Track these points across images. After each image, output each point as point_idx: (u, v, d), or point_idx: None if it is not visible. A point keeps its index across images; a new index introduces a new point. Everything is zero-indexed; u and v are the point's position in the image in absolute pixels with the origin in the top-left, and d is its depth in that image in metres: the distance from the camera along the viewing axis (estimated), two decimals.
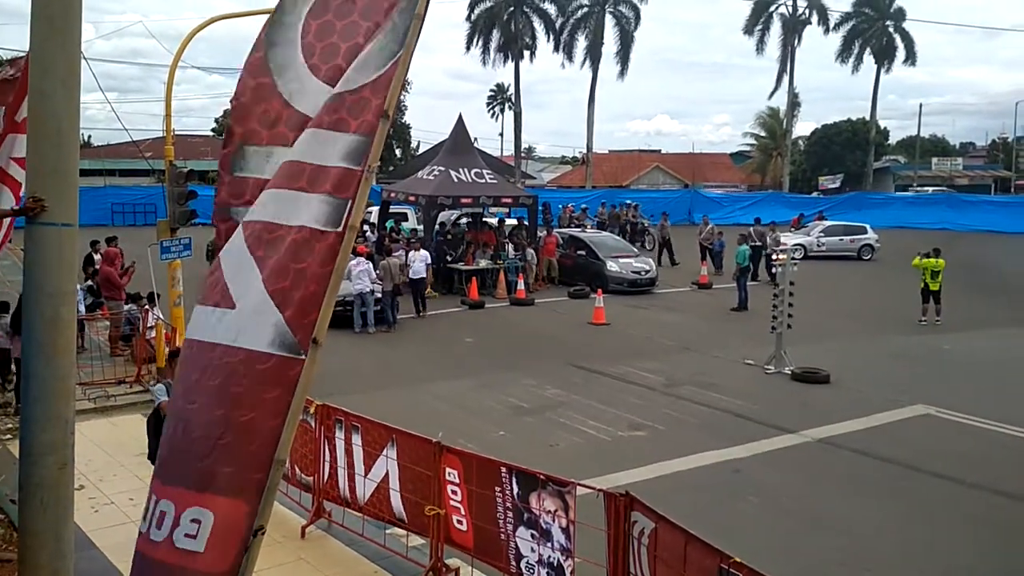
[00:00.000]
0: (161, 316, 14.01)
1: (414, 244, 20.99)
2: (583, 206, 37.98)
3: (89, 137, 60.97)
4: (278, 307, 2.95)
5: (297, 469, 8.30)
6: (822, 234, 32.33)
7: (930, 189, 53.04)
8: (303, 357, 2.88)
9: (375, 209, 27.82)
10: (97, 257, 19.31)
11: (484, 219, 26.77)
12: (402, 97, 63.04)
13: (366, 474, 7.53)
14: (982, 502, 9.20)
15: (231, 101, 3.41)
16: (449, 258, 23.52)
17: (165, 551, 2.94)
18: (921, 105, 72.79)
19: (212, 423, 2.92)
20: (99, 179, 44.09)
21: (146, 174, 42.35)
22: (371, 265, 18.62)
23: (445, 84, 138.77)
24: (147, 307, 14.34)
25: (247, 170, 3.27)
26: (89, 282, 17.35)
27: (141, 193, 41.72)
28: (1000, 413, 11.98)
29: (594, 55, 52.37)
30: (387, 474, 7.33)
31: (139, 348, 13.85)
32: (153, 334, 13.66)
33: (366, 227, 26.53)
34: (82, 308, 14.32)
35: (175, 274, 13.53)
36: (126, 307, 15.36)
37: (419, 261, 19.66)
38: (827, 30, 53.62)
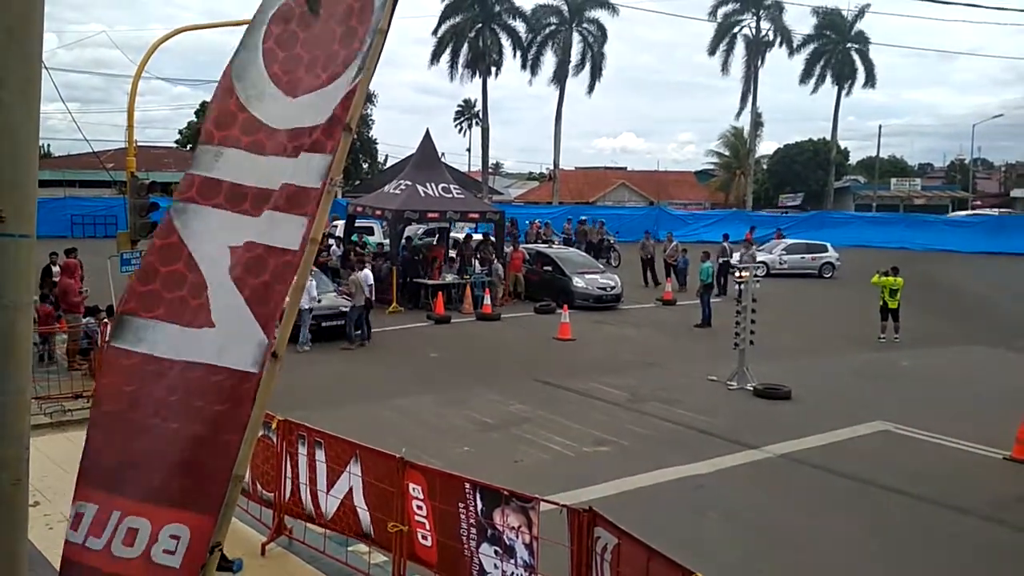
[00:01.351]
0: None
1: (367, 261, 20.84)
2: (547, 221, 38.21)
3: (49, 147, 60.13)
4: (261, 327, 2.94)
5: (259, 485, 8.19)
6: (784, 252, 32.81)
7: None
8: (256, 371, 2.86)
9: (341, 223, 27.71)
10: (55, 269, 18.97)
11: (451, 234, 26.81)
12: (369, 111, 63.03)
13: (328, 490, 7.45)
14: (938, 517, 9.36)
15: (203, 124, 3.42)
16: (419, 272, 23.42)
17: (138, 567, 2.90)
18: (880, 126, 74.59)
19: (184, 440, 2.90)
20: (59, 190, 43.39)
21: (107, 185, 41.73)
22: (313, 282, 18.49)
23: (412, 98, 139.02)
24: (106, 320, 14.09)
25: (197, 167, 3.26)
26: (44, 291, 17.00)
27: (102, 204, 41.10)
28: (956, 429, 12.21)
29: (561, 72, 52.90)
30: (351, 489, 7.26)
31: (98, 363, 13.58)
32: None
33: (331, 241, 26.41)
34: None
35: None
36: (84, 320, 15.09)
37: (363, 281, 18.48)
38: (791, 52, 54.76)
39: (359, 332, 17.97)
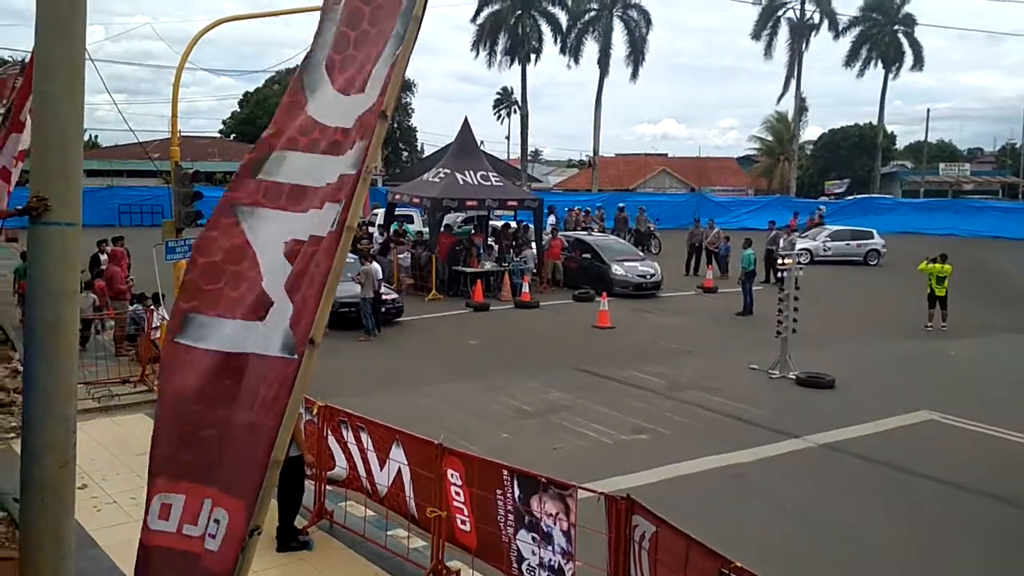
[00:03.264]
0: (166, 316, 14.04)
1: (407, 248, 20.59)
2: (586, 209, 38.04)
3: (96, 137, 61.24)
4: (289, 313, 3.02)
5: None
6: (828, 239, 32.25)
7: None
8: (295, 357, 2.90)
9: (381, 211, 27.89)
10: (103, 257, 19.39)
11: (489, 222, 26.82)
12: (408, 100, 63.32)
13: (382, 468, 7.57)
14: (986, 509, 9.16)
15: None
16: (458, 260, 23.43)
17: (176, 540, 3.04)
18: (928, 110, 72.80)
19: (228, 427, 3.00)
20: (106, 179, 44.26)
21: (153, 175, 42.47)
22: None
23: (451, 87, 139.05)
24: (152, 307, 14.39)
25: (263, 174, 3.34)
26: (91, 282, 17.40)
27: (147, 194, 41.85)
28: (1005, 420, 11.93)
29: (603, 59, 52.44)
30: (399, 471, 7.36)
31: (144, 348, 13.89)
32: (158, 334, 13.70)
33: (372, 229, 26.60)
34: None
35: (180, 275, 13.57)
36: (131, 307, 15.42)
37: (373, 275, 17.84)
38: (836, 35, 53.62)
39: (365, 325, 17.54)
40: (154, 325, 13.93)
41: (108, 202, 39.12)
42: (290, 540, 7.56)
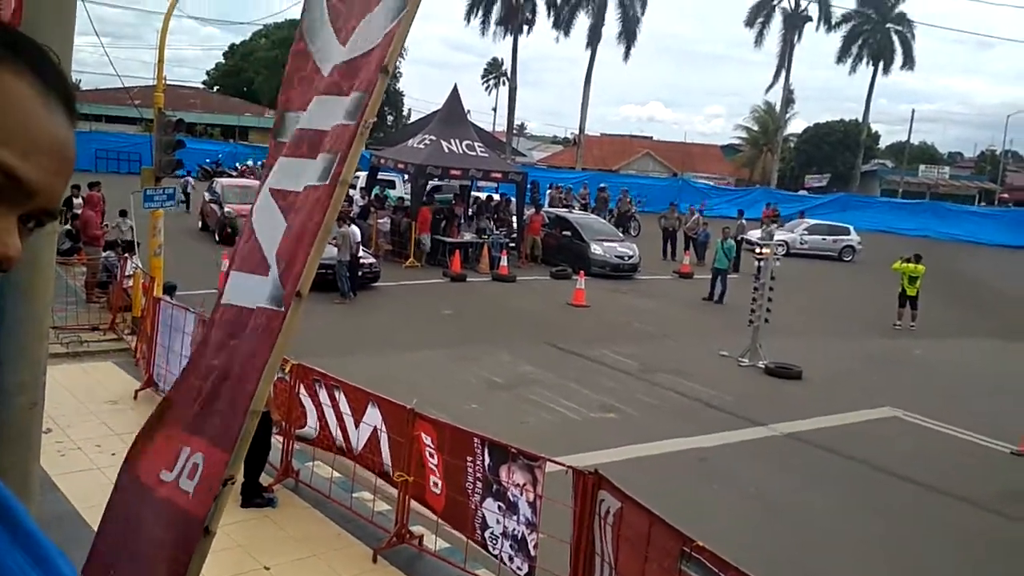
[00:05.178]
0: (140, 265, 13.89)
1: (387, 214, 20.38)
2: (568, 187, 38.05)
3: (79, 81, 60.05)
4: (279, 264, 3.01)
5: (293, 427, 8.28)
6: (805, 232, 32.53)
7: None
8: (281, 309, 2.90)
9: (363, 174, 27.67)
10: (77, 201, 19.11)
11: (472, 193, 26.70)
12: (398, 64, 62.58)
13: (357, 426, 7.56)
14: (940, 505, 9.37)
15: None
16: (438, 229, 23.28)
17: (170, 490, 3.04)
18: (913, 111, 73.10)
19: (211, 374, 3.00)
20: (85, 124, 43.46)
21: (134, 122, 41.79)
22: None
23: (441, 53, 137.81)
24: (126, 255, 14.21)
25: (284, 136, 3.30)
26: (67, 226, 17.18)
27: (127, 140, 41.21)
28: (965, 421, 12.16)
29: (594, 36, 52.15)
30: (374, 432, 7.37)
31: (115, 296, 13.73)
32: (131, 283, 13.55)
33: (353, 192, 26.39)
34: None
35: (157, 224, 13.39)
36: (104, 254, 15.22)
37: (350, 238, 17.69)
38: (829, 28, 53.72)
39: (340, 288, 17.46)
40: (127, 273, 13.76)
41: (85, 147, 38.41)
42: (254, 496, 7.56)
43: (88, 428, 8.98)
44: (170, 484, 3.03)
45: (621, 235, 27.08)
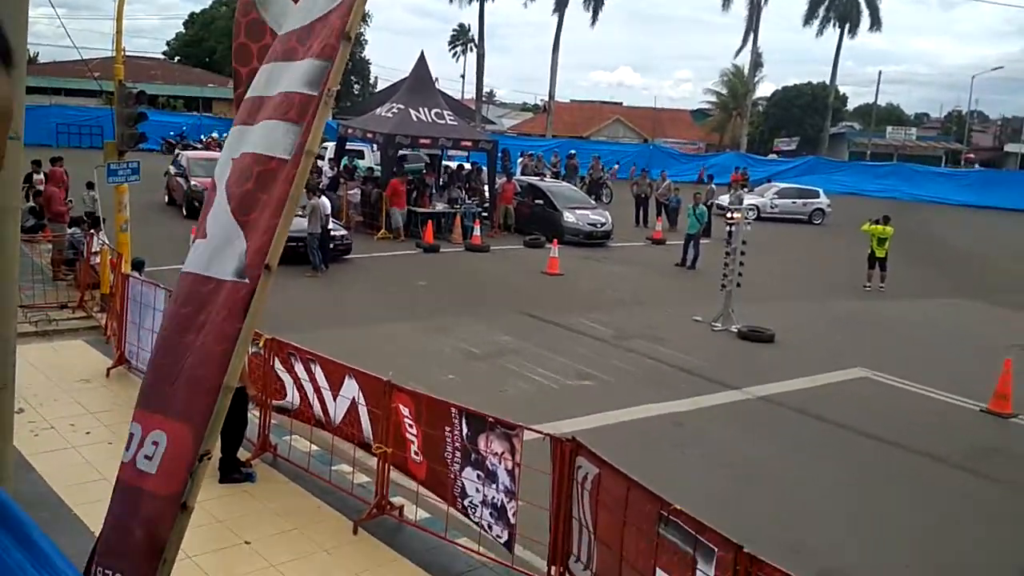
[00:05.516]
0: (107, 241, 13.65)
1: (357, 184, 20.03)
2: (539, 154, 37.92)
3: (36, 54, 58.42)
4: (244, 235, 2.95)
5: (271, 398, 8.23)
6: (775, 196, 32.75)
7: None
8: (247, 282, 2.85)
9: (331, 145, 27.33)
10: (38, 177, 18.71)
11: (443, 163, 26.49)
12: (362, 31, 61.60)
13: (335, 399, 7.53)
14: (911, 463, 9.57)
15: (233, 42, 3.35)
16: (409, 200, 23.08)
17: (128, 470, 2.96)
18: (880, 73, 73.47)
19: (178, 349, 2.93)
20: (44, 98, 42.41)
21: (94, 95, 40.82)
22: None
23: (406, 20, 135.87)
24: (92, 231, 13.96)
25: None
26: (31, 203, 16.84)
27: (87, 114, 40.31)
28: (935, 380, 12.39)
29: (561, 1, 51.70)
30: (353, 403, 7.34)
31: (83, 273, 13.51)
32: (98, 260, 13.33)
33: (321, 163, 26.06)
34: None
35: (122, 199, 13.15)
36: (70, 231, 14.94)
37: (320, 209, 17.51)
38: None
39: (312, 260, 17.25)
40: (94, 250, 13.53)
41: (45, 121, 37.54)
42: (233, 472, 7.53)
43: (61, 407, 8.87)
44: (127, 465, 2.98)
45: (593, 202, 27.07)
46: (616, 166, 36.81)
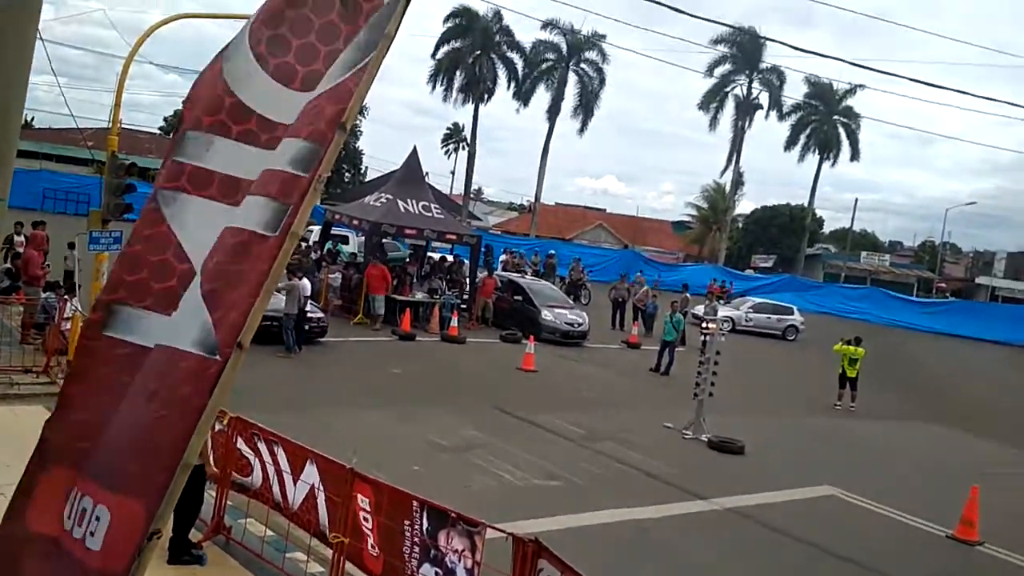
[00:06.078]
0: (79, 308, 13.52)
1: (339, 269, 20.16)
2: (521, 251, 38.52)
3: (32, 119, 59.16)
4: (208, 308, 2.91)
5: (235, 473, 8.01)
6: (751, 310, 33.21)
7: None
8: (217, 358, 2.81)
9: (316, 228, 27.57)
10: (18, 239, 18.68)
11: (427, 253, 26.75)
12: (358, 122, 63.08)
13: (295, 483, 7.35)
14: None
15: (190, 91, 3.36)
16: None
17: (74, 545, 2.86)
18: (856, 200, 76.00)
19: (137, 424, 2.85)
20: (35, 162, 42.73)
21: (84, 163, 41.21)
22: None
23: (402, 116, 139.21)
24: (66, 297, 13.84)
25: (185, 156, 3.20)
26: (7, 265, 16.73)
27: (76, 181, 40.57)
28: (902, 503, 12.33)
29: (554, 108, 53.42)
30: (312, 490, 7.17)
31: (52, 338, 13.32)
32: (69, 326, 13.17)
33: (304, 244, 26.22)
34: None
35: (100, 267, 13.14)
36: (44, 295, 14.81)
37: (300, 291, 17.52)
38: (780, 116, 55.74)
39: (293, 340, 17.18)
40: (65, 315, 13.39)
41: (33, 185, 37.74)
42: (183, 553, 7.27)
43: (15, 473, 8.58)
44: (68, 536, 2.87)
45: (572, 302, 27.28)
46: (588, 271, 37.37)
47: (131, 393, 2.94)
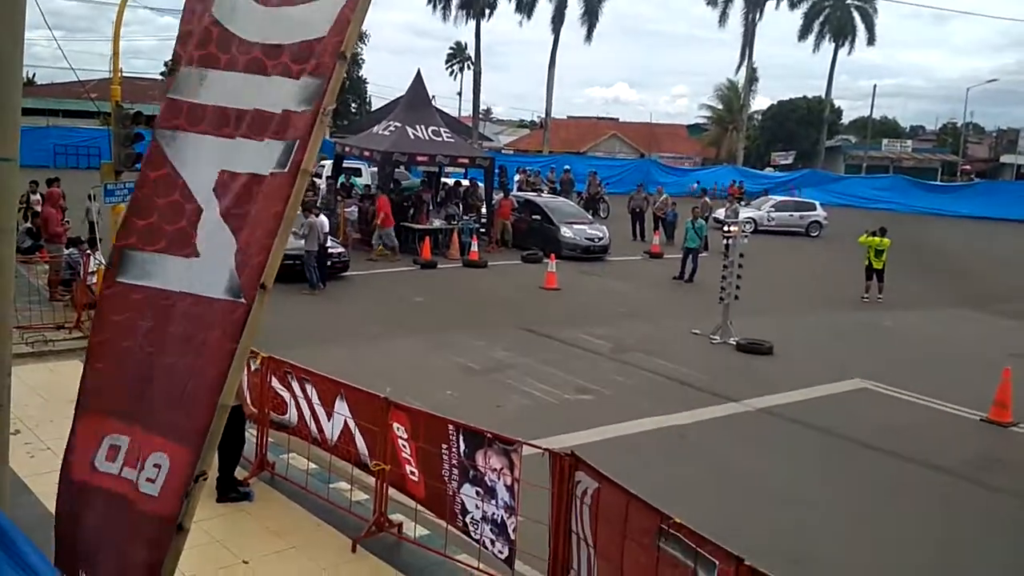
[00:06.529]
0: (103, 261, 13.63)
1: (354, 202, 20.10)
2: (536, 169, 38.11)
3: (33, 75, 58.66)
4: (228, 252, 2.92)
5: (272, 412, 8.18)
6: (772, 209, 32.84)
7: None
8: (243, 301, 2.82)
9: (328, 163, 27.40)
10: (35, 198, 18.76)
11: (441, 179, 26.56)
12: (359, 50, 61.92)
13: (330, 419, 7.50)
14: (911, 473, 9.53)
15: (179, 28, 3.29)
16: (406, 216, 23.20)
17: (115, 482, 2.94)
18: (875, 86, 74.01)
19: (174, 371, 2.90)
20: (42, 119, 42.56)
21: (91, 116, 40.97)
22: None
23: (403, 39, 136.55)
24: (88, 252, 13.96)
25: (180, 92, 3.16)
26: (28, 224, 16.85)
27: (85, 135, 40.46)
28: (934, 389, 12.37)
29: (557, 19, 52.04)
30: (346, 424, 7.32)
31: (79, 294, 13.49)
32: (94, 280, 13.31)
33: (318, 180, 26.12)
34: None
35: (118, 219, 13.16)
36: (66, 251, 14.95)
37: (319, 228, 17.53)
38: (792, 5, 53.97)
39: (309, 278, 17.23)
40: (90, 270, 13.52)
41: (42, 142, 37.68)
42: (230, 491, 7.49)
43: (56, 428, 8.82)
44: (125, 481, 2.95)
45: (591, 217, 27.12)
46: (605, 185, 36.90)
47: (168, 342, 2.99)
